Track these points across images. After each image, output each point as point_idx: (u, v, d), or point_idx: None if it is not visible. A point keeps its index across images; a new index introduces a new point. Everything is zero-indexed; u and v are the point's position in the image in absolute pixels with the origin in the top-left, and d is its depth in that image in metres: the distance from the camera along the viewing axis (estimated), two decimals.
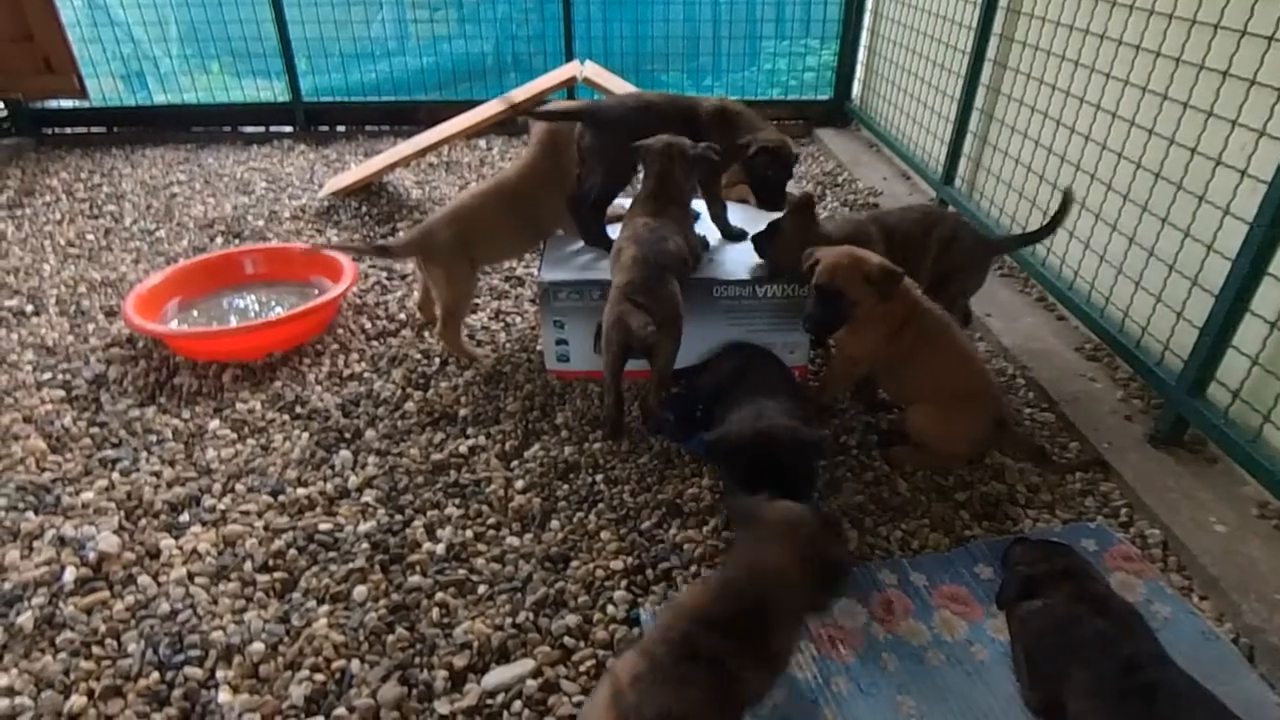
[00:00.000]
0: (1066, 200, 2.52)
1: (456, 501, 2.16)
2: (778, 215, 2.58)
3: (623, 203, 2.68)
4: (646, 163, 2.48)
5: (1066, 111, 3.00)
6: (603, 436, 2.39)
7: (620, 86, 4.11)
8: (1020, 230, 3.19)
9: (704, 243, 2.67)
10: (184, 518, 2.10)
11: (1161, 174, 2.48)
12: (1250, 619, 1.77)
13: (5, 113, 5.02)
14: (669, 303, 2.23)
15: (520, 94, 4.05)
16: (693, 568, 1.96)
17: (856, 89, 5.45)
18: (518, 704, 1.62)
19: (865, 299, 2.13)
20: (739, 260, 2.62)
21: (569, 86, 4.26)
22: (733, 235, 2.77)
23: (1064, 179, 2.99)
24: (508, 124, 4.99)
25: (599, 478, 2.24)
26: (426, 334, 2.95)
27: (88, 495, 2.16)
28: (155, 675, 1.67)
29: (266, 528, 2.07)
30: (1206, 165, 2.28)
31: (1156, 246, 2.50)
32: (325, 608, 1.84)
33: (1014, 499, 2.20)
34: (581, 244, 2.77)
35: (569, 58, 5.20)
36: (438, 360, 2.78)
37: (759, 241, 2.55)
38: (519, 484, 2.22)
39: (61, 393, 2.58)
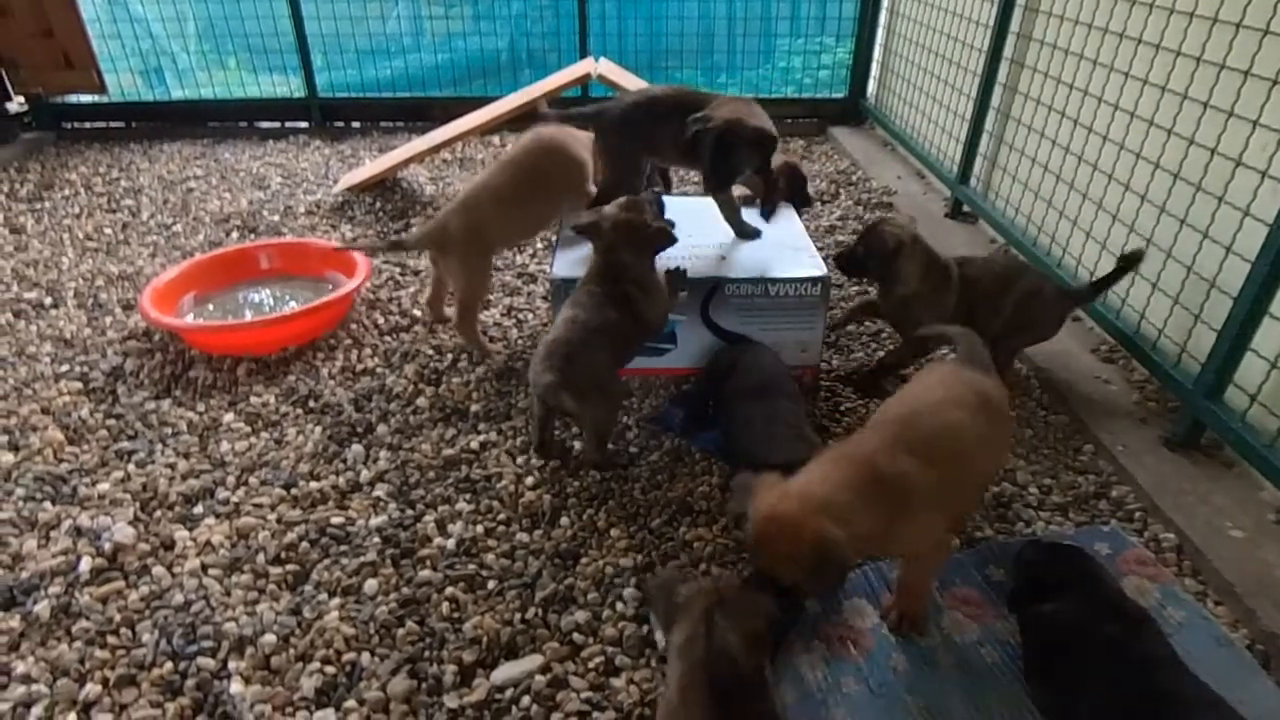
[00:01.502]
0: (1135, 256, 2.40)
1: (467, 497, 2.17)
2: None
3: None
4: (593, 241, 2.27)
5: (1084, 111, 2.97)
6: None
7: (634, 84, 4.10)
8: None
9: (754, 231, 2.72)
10: (198, 510, 2.12)
11: (1180, 174, 2.45)
12: (1266, 625, 1.75)
13: (26, 107, 5.07)
14: (590, 370, 2.10)
15: (535, 91, 4.06)
16: (702, 566, 1.96)
17: (871, 87, 5.42)
18: (526, 699, 1.63)
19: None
20: (751, 258, 2.61)
21: (583, 83, 4.27)
22: (746, 234, 2.76)
23: (1081, 179, 2.97)
24: (522, 120, 4.99)
25: (609, 475, 2.24)
26: (439, 329, 2.96)
27: (104, 486, 2.18)
28: (169, 665, 1.69)
29: (279, 520, 2.08)
30: (1226, 166, 2.25)
31: (1174, 248, 2.47)
32: (336, 600, 1.85)
33: (1026, 500, 2.18)
34: None
35: (583, 54, 5.20)
36: (450, 356, 2.79)
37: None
38: (529, 480, 2.23)
39: (79, 385, 2.61)
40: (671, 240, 2.27)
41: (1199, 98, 2.37)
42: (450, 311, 2.88)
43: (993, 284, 2.49)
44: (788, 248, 2.70)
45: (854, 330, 3.00)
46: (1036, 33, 3.34)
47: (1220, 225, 2.28)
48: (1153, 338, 2.54)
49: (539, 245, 3.63)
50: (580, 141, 2.86)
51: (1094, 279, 2.51)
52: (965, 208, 3.89)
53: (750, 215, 2.83)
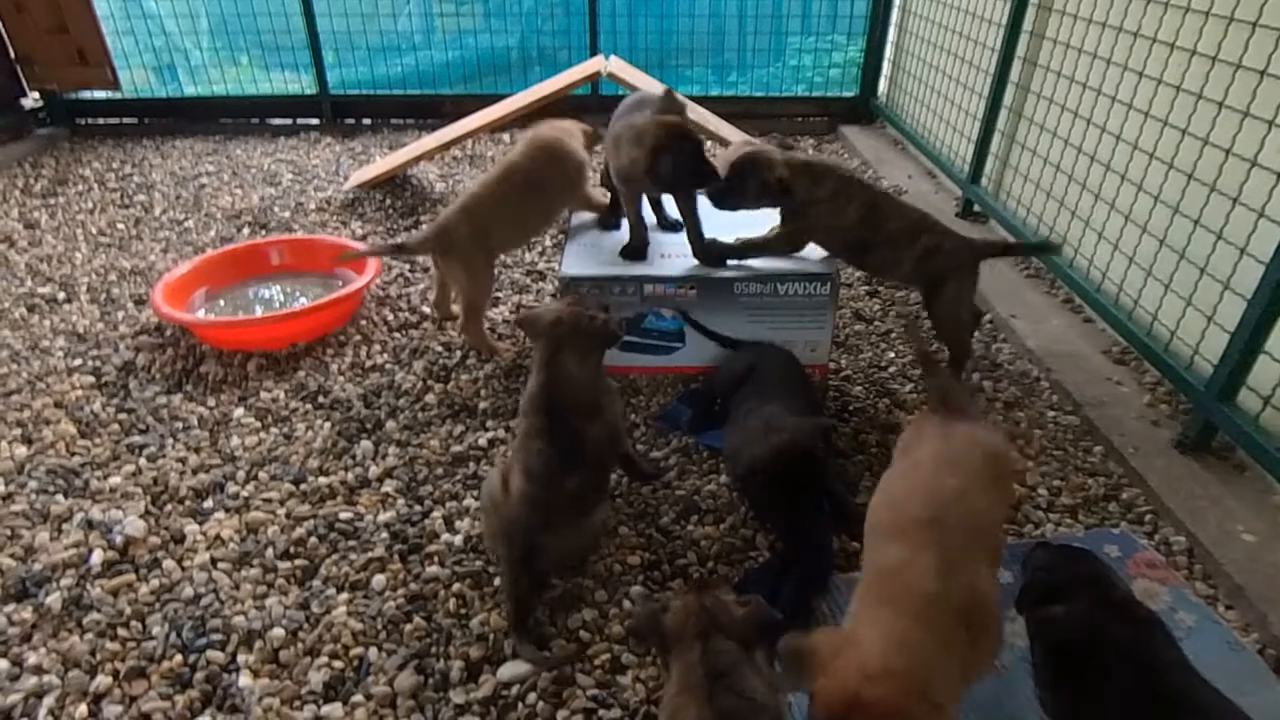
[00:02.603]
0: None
1: (475, 493, 2.17)
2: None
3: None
4: (533, 343, 1.96)
5: (1097, 110, 2.95)
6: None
7: (644, 82, 4.10)
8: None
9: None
10: (208, 504, 2.13)
11: (1194, 175, 2.43)
12: (1277, 630, 1.74)
13: (41, 103, 5.12)
14: (557, 548, 1.83)
15: (545, 89, 4.06)
16: (709, 564, 1.96)
17: (883, 86, 5.40)
18: (532, 696, 1.63)
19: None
20: (759, 259, 2.61)
21: (593, 81, 4.26)
22: (709, 259, 2.58)
23: (1094, 179, 2.95)
24: (532, 118, 5.00)
25: (617, 472, 2.24)
26: (448, 327, 2.97)
27: (115, 480, 2.20)
28: (178, 658, 1.71)
29: (288, 515, 2.09)
30: (1241, 166, 2.23)
31: (1188, 249, 2.45)
32: (344, 595, 1.86)
33: (1035, 502, 2.17)
34: (603, 238, 2.77)
35: (593, 52, 5.19)
36: (458, 353, 2.80)
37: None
38: None
39: (91, 379, 2.63)
40: (617, 338, 2.01)
41: (1214, 97, 2.35)
42: (457, 309, 2.88)
43: (901, 229, 2.47)
44: None
45: (862, 329, 2.99)
46: (1050, 31, 3.32)
47: (1234, 226, 2.26)
48: (1165, 339, 2.52)
49: (548, 243, 3.64)
50: (577, 141, 2.85)
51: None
52: (976, 207, 3.87)
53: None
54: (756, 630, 1.33)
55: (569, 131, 2.86)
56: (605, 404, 1.95)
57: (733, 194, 2.48)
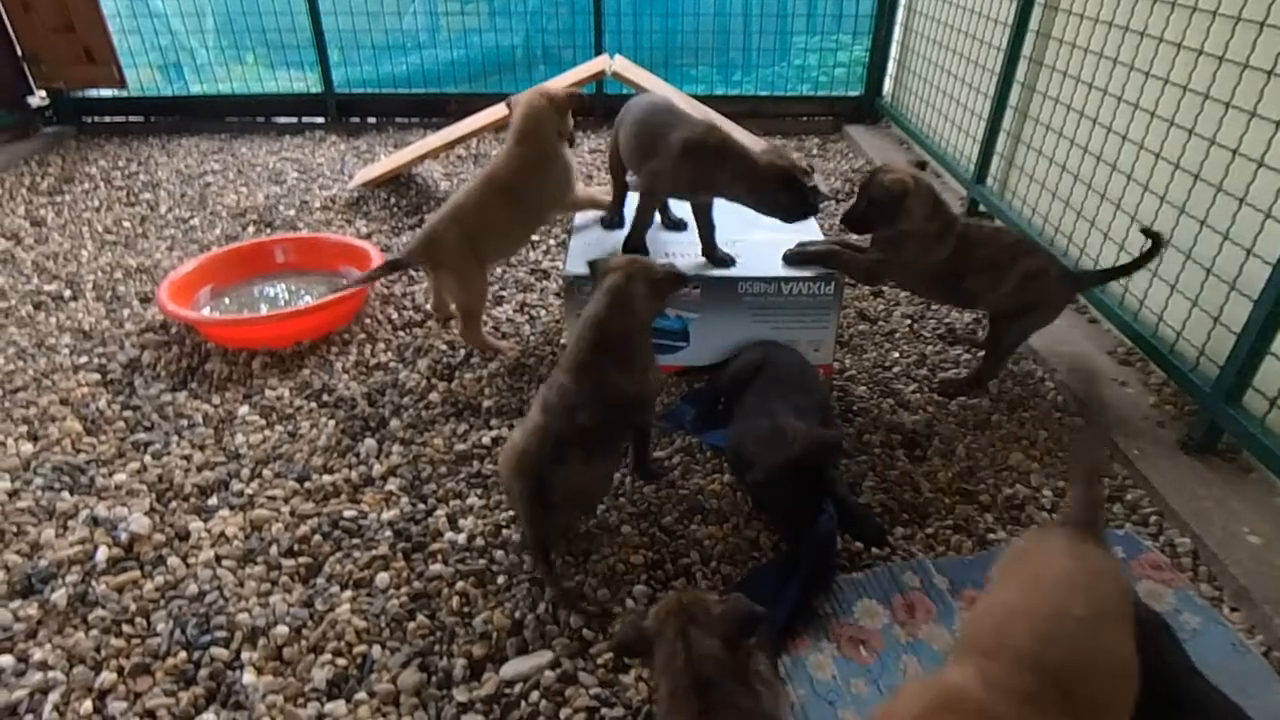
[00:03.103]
0: (1155, 240, 2.32)
1: (479, 492, 2.18)
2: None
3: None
4: (596, 286, 2.00)
5: (1103, 110, 2.94)
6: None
7: (649, 81, 4.10)
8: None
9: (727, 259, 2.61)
10: (213, 501, 2.14)
11: (1200, 175, 2.42)
12: None
13: (47, 101, 5.13)
14: (565, 488, 1.84)
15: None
16: (712, 564, 1.96)
17: (888, 85, 5.39)
18: (535, 694, 1.64)
19: None
20: (765, 258, 2.60)
21: (598, 80, 4.26)
22: (718, 260, 2.58)
23: (1099, 179, 2.94)
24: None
25: (621, 472, 2.24)
26: (452, 325, 2.97)
27: (120, 477, 2.20)
28: (183, 654, 1.71)
29: (292, 513, 2.10)
30: (1248, 167, 2.22)
31: (1194, 249, 2.44)
32: (348, 593, 1.87)
33: (1039, 503, 2.17)
34: (607, 237, 2.77)
35: (598, 51, 5.20)
36: (462, 351, 2.80)
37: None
38: None
39: (97, 376, 2.64)
40: (685, 280, 2.07)
41: (1221, 97, 2.34)
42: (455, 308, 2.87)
43: (998, 253, 2.43)
44: None
45: (866, 330, 2.98)
46: (1056, 31, 3.31)
47: (1241, 227, 2.25)
48: (1171, 340, 2.51)
49: (552, 242, 3.64)
50: (551, 127, 2.68)
51: (1104, 267, 2.50)
52: (981, 207, 3.86)
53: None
54: (735, 626, 1.32)
55: (550, 141, 2.68)
56: (643, 365, 2.01)
57: (867, 219, 2.45)
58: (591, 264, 2.07)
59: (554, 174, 2.71)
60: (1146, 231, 2.32)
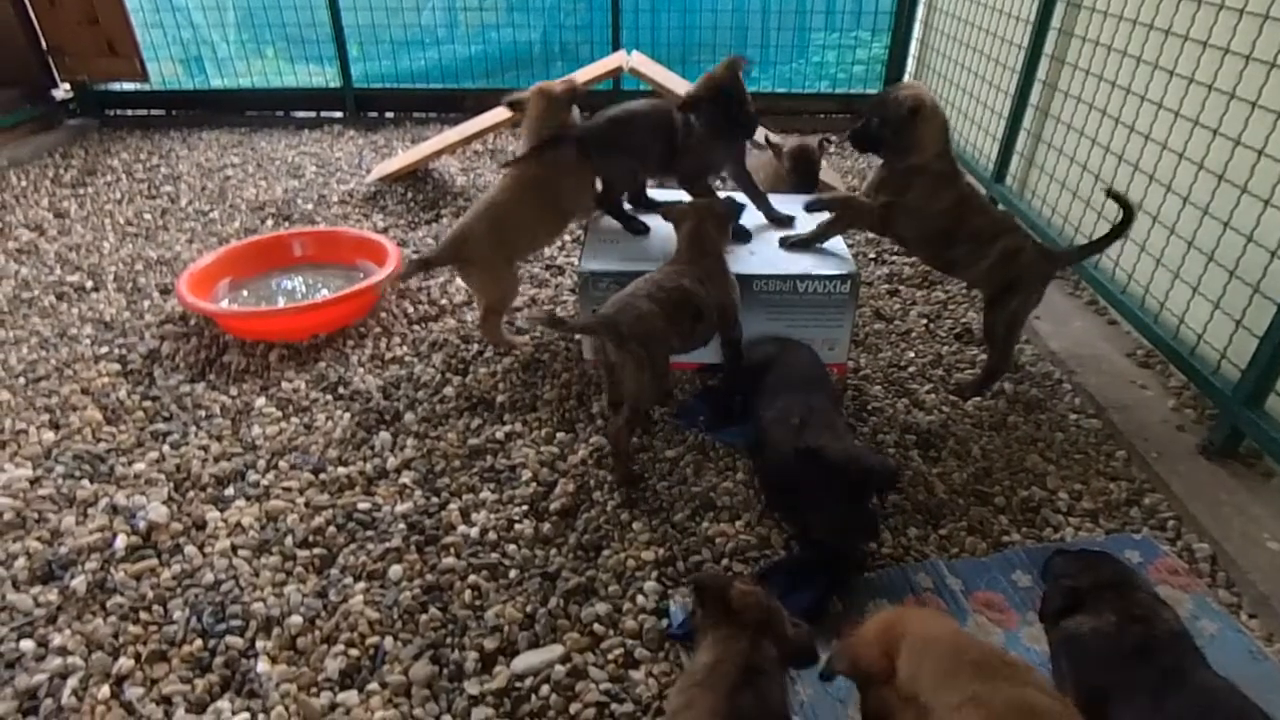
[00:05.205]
0: (1126, 209, 2.28)
1: (491, 486, 2.19)
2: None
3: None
4: (676, 227, 2.38)
5: (1126, 109, 2.90)
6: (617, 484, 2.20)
7: (665, 77, 4.09)
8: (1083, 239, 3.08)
9: (745, 234, 2.72)
10: (229, 491, 2.16)
11: (1224, 175, 2.39)
12: None
13: (71, 94, 5.20)
14: (635, 318, 2.06)
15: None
16: (724, 561, 1.96)
17: (907, 82, 5.35)
18: (545, 688, 1.64)
19: None
20: (780, 256, 2.60)
21: (615, 76, 4.26)
22: (779, 221, 2.82)
23: (1121, 179, 2.90)
24: None
25: (633, 468, 2.24)
26: (468, 317, 2.98)
27: (139, 466, 2.23)
28: (199, 642, 1.73)
29: (307, 504, 2.12)
30: (1274, 167, 2.19)
31: (1216, 251, 2.41)
32: (362, 585, 1.88)
33: (1055, 506, 2.15)
34: (623, 234, 2.77)
35: (615, 47, 5.19)
36: (477, 346, 2.81)
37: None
38: (553, 471, 2.24)
39: (117, 366, 2.68)
40: (740, 209, 2.58)
41: (1246, 96, 2.30)
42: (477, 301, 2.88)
43: (987, 226, 2.42)
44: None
45: (882, 329, 2.97)
46: (1078, 29, 3.27)
47: (1265, 229, 2.21)
48: (1191, 343, 2.48)
49: (567, 239, 3.64)
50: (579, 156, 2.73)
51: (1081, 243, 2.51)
52: (1000, 205, 3.82)
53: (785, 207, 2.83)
54: (797, 652, 1.40)
55: (543, 120, 2.68)
56: (726, 285, 2.32)
57: (878, 138, 2.41)
58: (662, 208, 2.43)
59: (579, 174, 2.72)
60: (1115, 196, 2.28)
